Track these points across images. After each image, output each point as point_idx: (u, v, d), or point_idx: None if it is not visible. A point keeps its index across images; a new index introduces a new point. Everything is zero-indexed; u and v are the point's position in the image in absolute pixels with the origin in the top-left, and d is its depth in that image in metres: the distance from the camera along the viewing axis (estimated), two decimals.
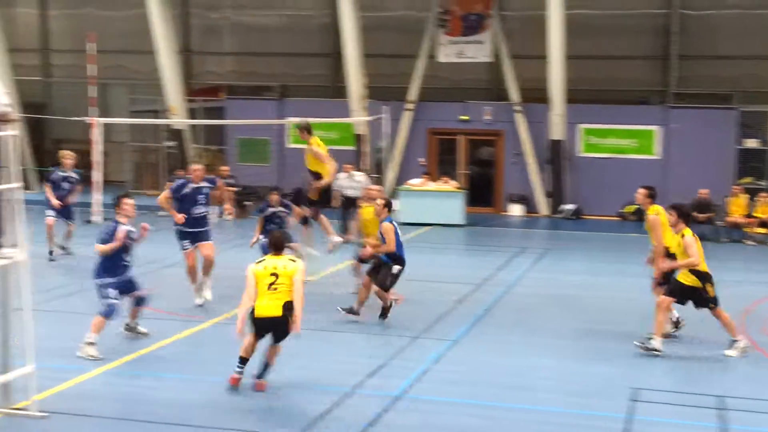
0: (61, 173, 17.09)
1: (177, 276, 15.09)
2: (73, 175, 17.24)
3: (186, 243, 13.12)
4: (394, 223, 12.07)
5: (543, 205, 25.59)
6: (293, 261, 9.33)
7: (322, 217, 14.59)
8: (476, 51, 26.35)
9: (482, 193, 26.13)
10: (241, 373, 9.21)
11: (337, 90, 28.89)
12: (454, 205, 22.85)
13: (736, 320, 11.75)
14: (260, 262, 9.33)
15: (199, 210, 13.07)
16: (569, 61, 24.75)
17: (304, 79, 29.50)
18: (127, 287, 10.66)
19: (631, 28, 26.96)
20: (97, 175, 15.36)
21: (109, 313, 10.37)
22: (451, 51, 26.47)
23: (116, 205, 10.81)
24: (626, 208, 25.01)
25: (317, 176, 14.36)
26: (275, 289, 9.07)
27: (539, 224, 24.32)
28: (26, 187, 15.41)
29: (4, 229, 8.04)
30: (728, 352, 10.83)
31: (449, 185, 23.36)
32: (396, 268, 11.99)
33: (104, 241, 10.44)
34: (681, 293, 10.92)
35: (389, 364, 10.25)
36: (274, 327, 9.13)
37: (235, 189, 23.98)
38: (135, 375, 9.74)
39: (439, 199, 22.90)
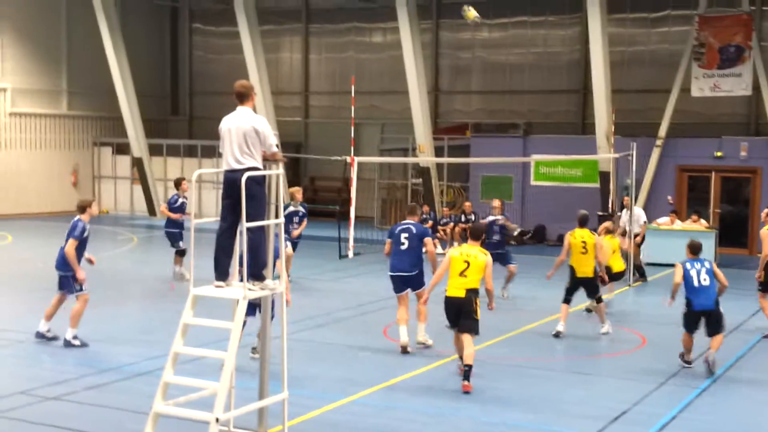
0: (293, 207, 17.45)
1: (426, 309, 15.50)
2: (302, 209, 17.71)
3: None
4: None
5: None
6: (484, 254, 10.86)
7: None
8: (733, 84, 25.19)
9: (736, 233, 24.82)
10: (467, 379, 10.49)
11: (584, 126, 28.64)
12: (704, 245, 21.74)
13: None
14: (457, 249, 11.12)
15: None
16: None
17: (550, 115, 29.48)
18: None
19: None
20: (352, 212, 16.12)
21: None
22: (706, 84, 25.48)
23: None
24: None
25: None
26: (465, 276, 10.69)
27: None
28: None
29: (268, 261, 8.63)
30: None
31: (699, 224, 22.38)
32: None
33: None
34: None
35: (633, 410, 9.99)
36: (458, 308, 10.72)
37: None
38: (384, 405, 10.09)
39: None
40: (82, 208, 12.47)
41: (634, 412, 9.90)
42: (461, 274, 10.73)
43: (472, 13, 17.09)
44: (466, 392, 10.38)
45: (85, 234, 12.36)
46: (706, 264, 11.71)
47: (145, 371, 11.11)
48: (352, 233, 15.84)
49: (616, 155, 23.08)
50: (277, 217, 8.65)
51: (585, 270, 13.69)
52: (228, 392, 8.11)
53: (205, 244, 9.01)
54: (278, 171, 8.70)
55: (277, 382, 8.58)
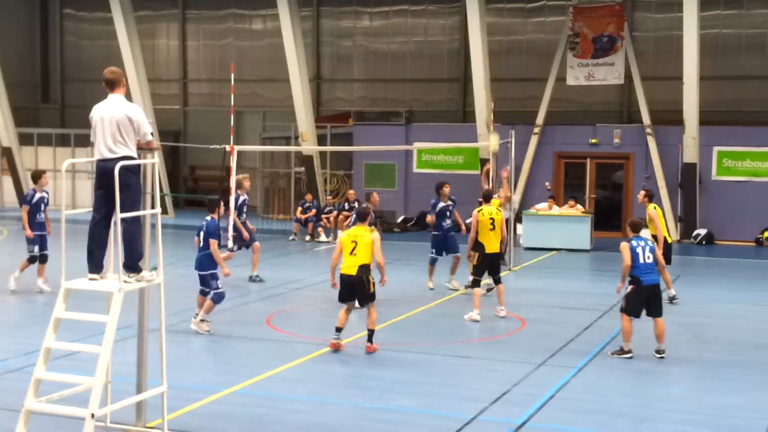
0: (243, 197, 16.64)
1: (310, 298, 15.45)
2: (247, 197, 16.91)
3: None
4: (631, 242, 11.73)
5: (673, 230, 24.89)
6: (370, 231, 11.69)
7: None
8: (606, 73, 25.96)
9: (610, 217, 25.66)
10: (338, 338, 11.68)
11: (465, 114, 29.08)
12: (580, 229, 22.50)
13: None
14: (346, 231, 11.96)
15: None
16: (704, 82, 24.08)
17: (432, 104, 29.79)
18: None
19: None
20: (231, 202, 15.86)
21: (218, 299, 12.62)
22: (581, 74, 26.18)
23: (214, 207, 12.96)
24: (764, 233, 24.08)
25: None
26: (354, 254, 11.47)
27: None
28: (163, 212, 16.13)
29: (144, 252, 8.40)
30: None
31: (576, 209, 23.03)
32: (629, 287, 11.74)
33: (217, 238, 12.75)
34: None
35: (513, 390, 10.18)
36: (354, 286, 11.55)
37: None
38: (266, 395, 9.97)
39: (565, 224, 22.60)
40: None
41: (514, 393, 10.07)
42: (351, 253, 11.55)
43: None
44: (371, 352, 11.56)
45: None
46: (649, 242, 11.84)
47: (17, 368, 10.68)
48: (231, 223, 15.61)
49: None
50: (153, 207, 8.43)
51: (494, 246, 14.02)
52: (103, 387, 7.87)
53: (79, 236, 8.70)
54: (153, 160, 8.48)
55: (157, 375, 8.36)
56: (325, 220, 24.26)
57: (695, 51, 23.33)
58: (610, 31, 25.78)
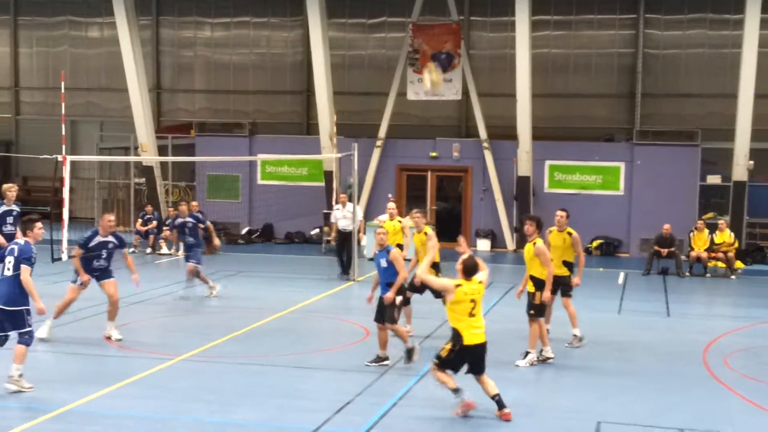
0: (6, 208, 15.44)
1: (150, 312, 15.12)
2: (17, 209, 15.61)
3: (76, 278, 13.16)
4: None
5: (509, 241, 25.85)
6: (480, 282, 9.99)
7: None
8: (445, 89, 26.66)
9: (451, 228, 26.32)
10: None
11: (308, 127, 29.22)
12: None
13: (699, 353, 12.06)
14: (459, 285, 9.88)
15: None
16: (536, 99, 25.15)
17: (275, 116, 29.76)
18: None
19: (596, 67, 27.53)
20: (65, 213, 15.34)
21: (31, 341, 10.29)
22: (421, 89, 26.78)
23: (27, 228, 10.56)
24: (592, 243, 25.32)
25: None
26: (473, 315, 9.79)
27: (506, 259, 24.55)
28: None
29: None
30: (519, 362, 12.18)
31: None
32: (398, 298, 11.93)
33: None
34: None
35: (356, 400, 10.31)
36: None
37: (201, 226, 24.00)
38: (103, 414, 9.67)
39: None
40: None
41: (357, 403, 10.21)
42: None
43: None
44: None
45: None
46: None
47: None
48: (65, 235, 15.10)
49: (339, 155, 23.74)
50: None
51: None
52: None
53: None
54: None
55: None
56: (167, 232, 23.77)
57: (527, 69, 24.35)
58: (448, 49, 26.52)
